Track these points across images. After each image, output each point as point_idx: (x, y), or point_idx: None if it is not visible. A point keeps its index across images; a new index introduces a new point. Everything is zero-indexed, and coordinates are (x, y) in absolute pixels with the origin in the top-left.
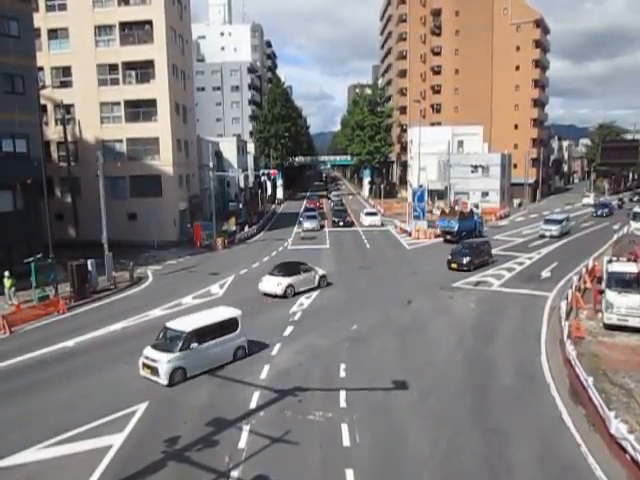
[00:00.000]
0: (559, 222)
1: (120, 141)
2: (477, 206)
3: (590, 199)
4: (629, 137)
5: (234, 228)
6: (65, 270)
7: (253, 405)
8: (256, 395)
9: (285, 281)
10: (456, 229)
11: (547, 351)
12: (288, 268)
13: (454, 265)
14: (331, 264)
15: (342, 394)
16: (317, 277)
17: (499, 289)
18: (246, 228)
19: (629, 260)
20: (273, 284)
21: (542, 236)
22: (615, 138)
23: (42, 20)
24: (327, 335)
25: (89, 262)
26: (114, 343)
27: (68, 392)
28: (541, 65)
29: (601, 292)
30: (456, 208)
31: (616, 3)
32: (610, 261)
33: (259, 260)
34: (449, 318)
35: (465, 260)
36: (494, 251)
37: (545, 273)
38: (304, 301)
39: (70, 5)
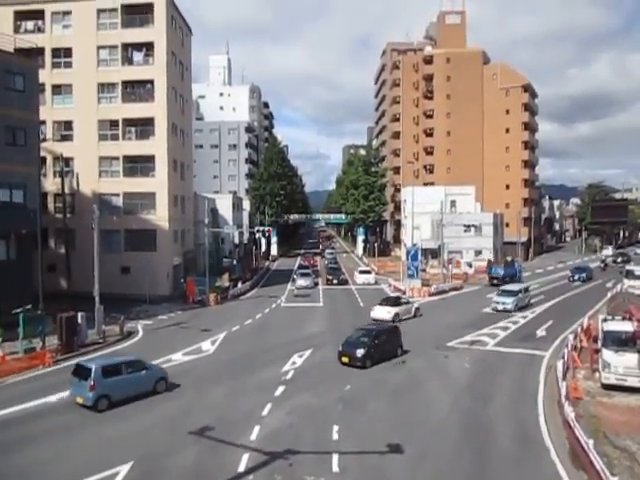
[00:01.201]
0: (514, 294)
1: (117, 195)
2: (470, 265)
3: (609, 251)
4: (618, 196)
5: (227, 284)
6: (54, 322)
7: (242, 468)
8: (245, 457)
9: (393, 310)
10: (502, 275)
11: (545, 412)
12: (394, 301)
13: (345, 359)
14: (324, 322)
15: (335, 458)
16: (414, 308)
17: (494, 348)
18: (240, 284)
19: (624, 319)
20: (384, 312)
21: (495, 310)
22: (604, 197)
23: (47, 76)
24: (319, 395)
25: (79, 315)
26: None
27: (46, 451)
28: (530, 127)
29: (597, 351)
30: (449, 266)
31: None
32: (605, 320)
33: (252, 317)
34: (444, 378)
35: (360, 352)
36: (488, 310)
37: (540, 332)
38: (296, 360)
39: (76, 63)
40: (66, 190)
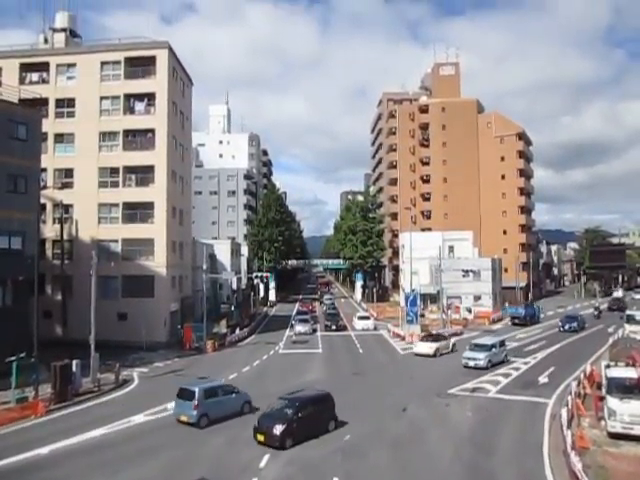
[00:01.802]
0: (487, 348)
1: (115, 241)
2: (470, 310)
3: (619, 293)
4: (615, 241)
5: (225, 330)
6: (48, 370)
7: None
8: None
9: (434, 345)
10: (523, 314)
11: (551, 463)
12: (435, 337)
13: (260, 437)
14: (323, 370)
15: None
16: (451, 344)
17: (496, 396)
18: (237, 331)
19: (627, 365)
20: (426, 347)
21: (465, 366)
22: (602, 242)
23: (50, 125)
24: (318, 446)
25: (74, 363)
26: (90, 452)
27: None
28: (525, 174)
29: (602, 398)
30: (448, 312)
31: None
32: (608, 366)
33: (250, 364)
34: (446, 427)
35: (277, 430)
36: None
37: (542, 379)
38: None
39: (78, 113)
40: (65, 236)
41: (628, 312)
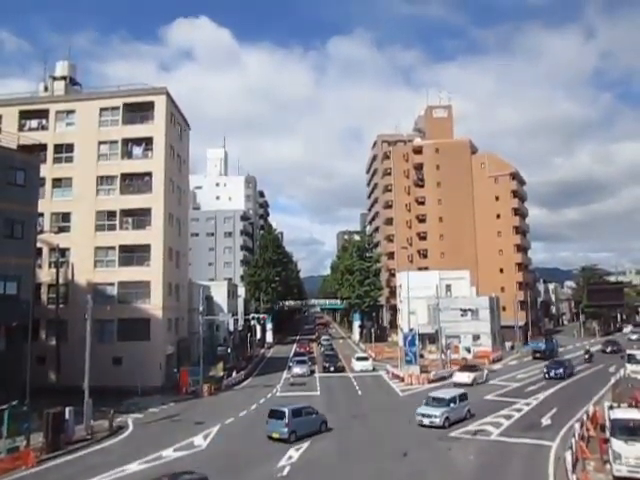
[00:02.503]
0: (445, 403)
1: (112, 284)
2: (469, 350)
3: (629, 328)
4: (612, 279)
5: (222, 373)
6: (40, 418)
7: None
8: None
9: (472, 375)
10: (543, 349)
11: None
12: (471, 368)
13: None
14: (322, 412)
15: None
16: (485, 374)
17: (499, 438)
18: (234, 373)
19: (630, 406)
20: (464, 377)
21: (421, 425)
22: (599, 280)
23: (48, 170)
24: None
25: (67, 410)
26: None
27: None
28: (520, 213)
29: (606, 441)
30: (448, 352)
31: (583, 158)
32: (611, 407)
33: (247, 408)
34: (448, 472)
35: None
36: (489, 397)
37: (545, 420)
38: (293, 454)
39: (77, 158)
40: (60, 280)
41: (629, 351)
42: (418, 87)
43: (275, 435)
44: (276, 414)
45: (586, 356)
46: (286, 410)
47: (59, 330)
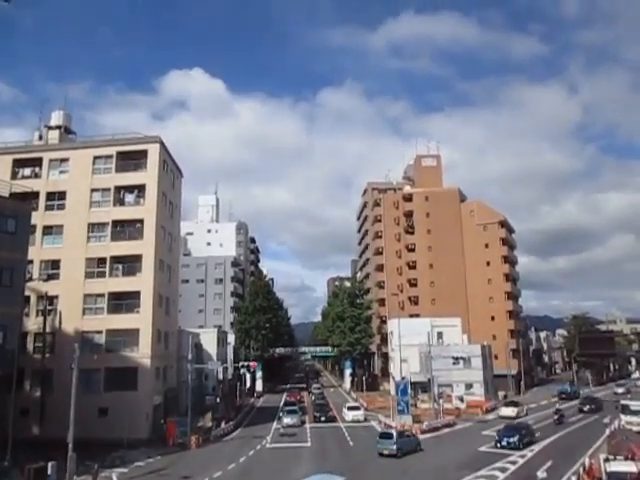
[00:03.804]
0: (392, 438)
1: (100, 332)
2: (462, 399)
3: (620, 389)
4: (602, 328)
5: (210, 424)
6: (22, 474)
7: None
8: None
9: (516, 409)
10: (569, 391)
11: None
12: (514, 403)
13: None
14: (313, 465)
15: None
16: (525, 409)
17: None
18: (223, 424)
19: (626, 458)
20: (510, 411)
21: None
22: (590, 329)
23: (40, 217)
24: None
25: (49, 465)
26: None
27: None
28: (510, 261)
29: None
30: (441, 401)
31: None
32: (607, 459)
33: (236, 461)
34: None
35: None
36: (484, 448)
37: (541, 474)
38: None
39: (68, 205)
40: (48, 329)
41: (623, 402)
42: (407, 136)
43: (385, 452)
44: (386, 435)
45: (555, 417)
46: (394, 432)
47: (44, 380)
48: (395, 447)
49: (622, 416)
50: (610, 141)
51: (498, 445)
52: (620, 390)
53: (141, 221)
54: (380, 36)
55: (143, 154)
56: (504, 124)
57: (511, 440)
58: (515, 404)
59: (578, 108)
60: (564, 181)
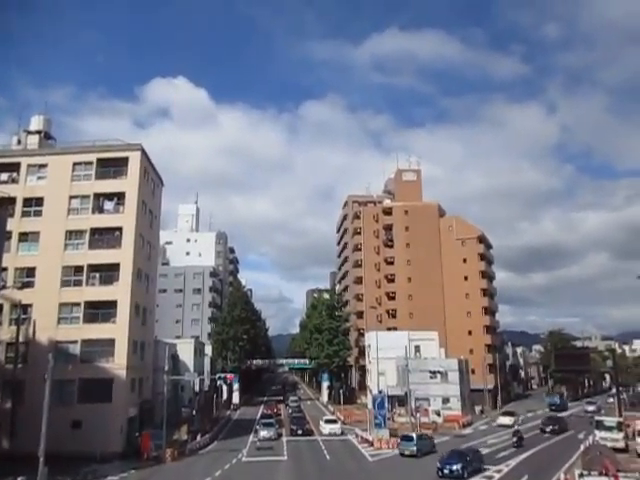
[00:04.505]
0: (413, 440)
1: (75, 342)
2: (439, 413)
3: (591, 407)
4: (578, 344)
5: (186, 437)
6: None
7: None
8: None
9: (513, 418)
10: (559, 402)
11: None
12: (510, 413)
13: None
14: (289, 479)
15: None
16: (520, 419)
17: None
18: (199, 437)
19: (600, 474)
20: (507, 419)
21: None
22: (566, 345)
23: (15, 224)
24: None
25: None
26: None
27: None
28: (487, 276)
29: None
30: (417, 415)
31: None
32: (582, 475)
33: (211, 475)
34: None
35: None
36: None
37: None
38: None
39: (46, 212)
40: (21, 338)
41: (598, 418)
42: (388, 150)
43: (407, 452)
44: (407, 438)
45: (514, 439)
46: (414, 435)
47: (15, 391)
48: (415, 448)
49: (596, 432)
50: (586, 161)
51: (439, 474)
52: (590, 408)
53: (120, 229)
54: (364, 51)
55: (124, 161)
56: (485, 141)
57: (454, 468)
58: (512, 414)
59: (556, 128)
60: (542, 199)
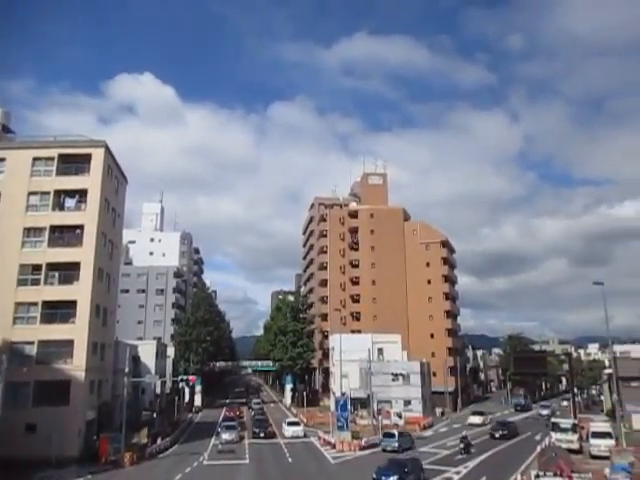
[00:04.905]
0: (394, 437)
1: (31, 343)
2: (400, 415)
3: (545, 411)
4: (536, 348)
5: (146, 440)
6: None
7: None
8: None
9: (482, 417)
10: (524, 403)
11: None
12: (480, 412)
13: None
14: None
15: None
16: (489, 418)
17: None
18: (159, 440)
19: (555, 474)
20: (477, 419)
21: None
22: (525, 349)
23: None
24: None
25: None
26: None
27: None
28: (450, 280)
29: None
30: (379, 417)
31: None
32: (538, 476)
33: (170, 478)
34: None
35: None
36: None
37: None
38: None
39: (3, 208)
40: None
41: (554, 420)
42: (355, 154)
43: (389, 448)
44: (389, 435)
45: (461, 446)
46: (396, 432)
47: None
48: (397, 444)
49: (552, 433)
50: (547, 169)
51: None
52: (545, 412)
53: (81, 227)
54: (333, 54)
55: (87, 158)
56: (450, 148)
57: (390, 479)
58: (481, 413)
59: (519, 136)
60: (505, 205)
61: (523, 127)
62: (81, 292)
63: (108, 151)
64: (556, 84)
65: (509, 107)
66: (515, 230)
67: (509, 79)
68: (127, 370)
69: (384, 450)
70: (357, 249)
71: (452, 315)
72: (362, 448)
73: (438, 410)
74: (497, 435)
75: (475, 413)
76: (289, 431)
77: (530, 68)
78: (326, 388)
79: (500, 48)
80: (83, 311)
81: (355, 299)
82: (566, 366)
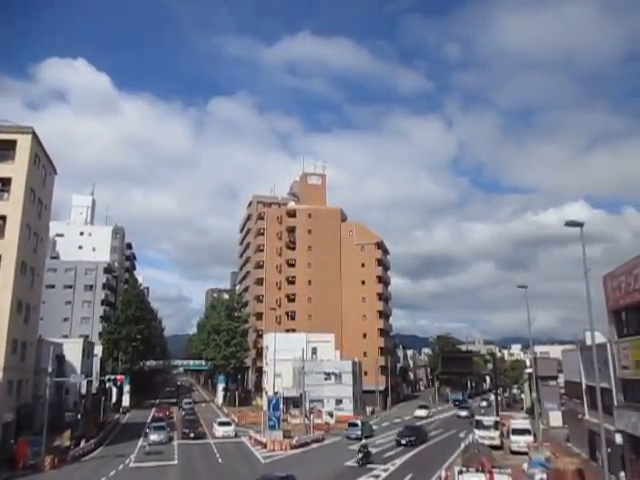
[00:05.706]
0: (358, 426)
1: None
2: (331, 414)
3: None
4: (463, 348)
5: (68, 443)
6: None
7: None
8: None
9: (427, 411)
10: (462, 399)
11: None
12: (425, 406)
13: None
14: None
15: None
16: (431, 412)
17: None
18: (83, 442)
19: (477, 470)
20: (422, 412)
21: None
22: (452, 349)
23: None
24: None
25: None
26: None
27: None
28: (384, 281)
29: None
30: (311, 416)
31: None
32: (461, 472)
33: None
34: None
35: None
36: (349, 463)
37: None
38: None
39: None
40: None
41: (477, 417)
42: (295, 153)
43: (353, 436)
44: (353, 424)
45: (359, 456)
46: (359, 422)
47: None
48: (360, 432)
49: (476, 430)
50: (478, 176)
51: None
52: (463, 413)
53: (3, 218)
54: (276, 52)
55: (11, 145)
56: (388, 151)
57: None
58: (426, 407)
59: (454, 143)
60: (438, 210)
61: (457, 134)
62: (1, 287)
63: (36, 138)
64: (489, 94)
65: (445, 114)
66: (447, 234)
67: (445, 87)
68: (50, 370)
69: (348, 437)
70: (294, 248)
71: (385, 315)
72: (293, 447)
73: (368, 409)
74: (403, 442)
75: (421, 407)
76: (220, 431)
77: (465, 77)
78: (259, 387)
79: (437, 56)
80: (3, 307)
81: (291, 298)
82: (490, 366)
